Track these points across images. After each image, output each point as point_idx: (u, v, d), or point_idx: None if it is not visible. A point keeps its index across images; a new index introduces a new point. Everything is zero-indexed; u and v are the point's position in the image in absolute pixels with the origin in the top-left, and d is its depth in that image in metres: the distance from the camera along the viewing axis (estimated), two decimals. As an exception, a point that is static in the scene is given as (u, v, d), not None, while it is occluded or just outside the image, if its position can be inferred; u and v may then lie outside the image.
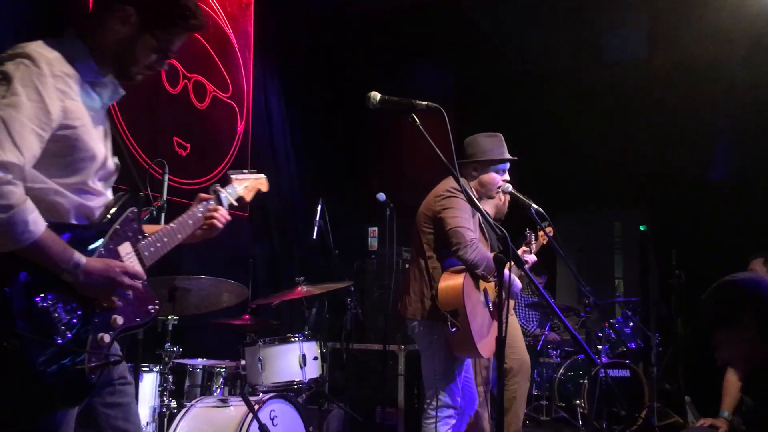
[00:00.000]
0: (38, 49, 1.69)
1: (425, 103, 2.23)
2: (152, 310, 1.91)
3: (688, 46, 6.28)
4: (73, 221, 1.76)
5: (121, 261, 1.81)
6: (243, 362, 3.95)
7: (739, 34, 6.04)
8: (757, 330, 1.87)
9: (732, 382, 3.34)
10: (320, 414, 4.41)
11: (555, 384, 6.17)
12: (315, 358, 4.00)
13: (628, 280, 8.88)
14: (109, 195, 1.89)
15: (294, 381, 3.88)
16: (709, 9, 5.98)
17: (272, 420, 3.41)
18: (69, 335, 1.65)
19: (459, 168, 2.36)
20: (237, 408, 3.40)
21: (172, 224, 2.02)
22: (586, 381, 5.82)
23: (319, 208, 4.67)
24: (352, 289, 4.94)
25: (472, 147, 3.63)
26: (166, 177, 3.65)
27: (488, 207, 4.14)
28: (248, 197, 2.35)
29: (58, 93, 1.68)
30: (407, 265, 3.96)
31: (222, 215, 2.13)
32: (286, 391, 3.81)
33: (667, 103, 6.74)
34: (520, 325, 4.96)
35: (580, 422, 5.83)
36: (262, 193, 2.41)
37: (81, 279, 1.68)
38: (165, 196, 3.56)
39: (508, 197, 4.00)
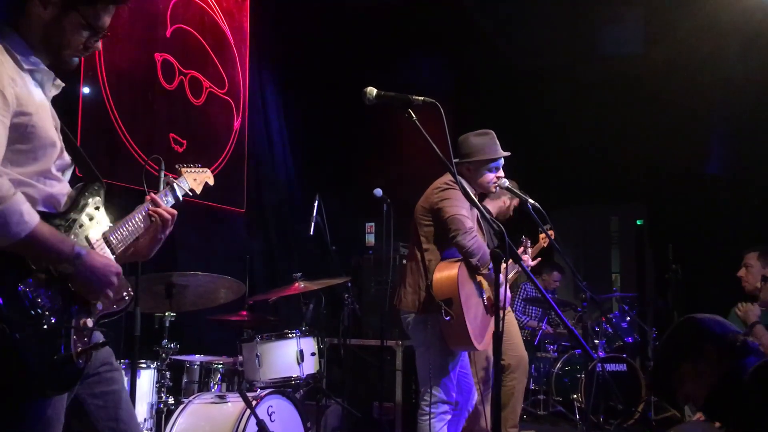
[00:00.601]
0: None
1: (421, 98, 2.22)
2: (126, 297, 1.91)
3: (685, 41, 6.28)
4: (42, 210, 1.72)
5: (92, 248, 1.79)
6: (240, 358, 3.95)
7: (735, 29, 6.05)
8: (717, 360, 2.06)
9: None
10: (318, 409, 4.41)
11: (552, 378, 6.18)
12: (312, 354, 4.00)
13: (625, 275, 8.89)
14: (68, 185, 1.85)
15: (291, 377, 3.89)
16: (706, 3, 5.98)
17: (270, 416, 3.41)
18: (53, 320, 1.64)
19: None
20: (235, 404, 3.40)
21: (134, 213, 2.00)
22: (583, 375, 5.83)
23: (315, 203, 4.65)
24: (350, 284, 4.93)
25: (463, 148, 3.59)
26: (163, 173, 3.63)
27: (490, 206, 4.14)
28: (198, 189, 2.42)
29: (8, 80, 1.64)
30: (404, 261, 3.95)
31: (164, 211, 2.05)
32: (283, 387, 3.81)
33: (664, 97, 6.75)
34: (517, 319, 4.97)
35: (578, 417, 5.84)
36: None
37: (80, 270, 1.66)
38: (162, 193, 3.54)
39: (513, 203, 3.99)
